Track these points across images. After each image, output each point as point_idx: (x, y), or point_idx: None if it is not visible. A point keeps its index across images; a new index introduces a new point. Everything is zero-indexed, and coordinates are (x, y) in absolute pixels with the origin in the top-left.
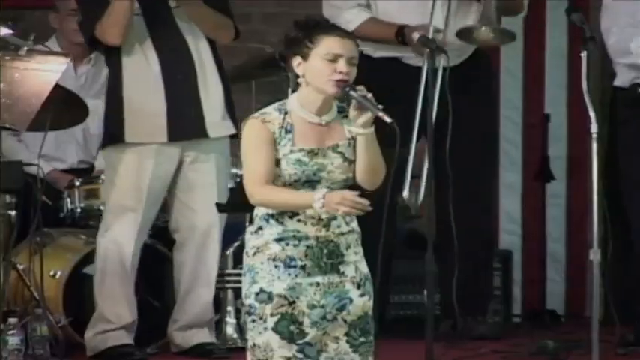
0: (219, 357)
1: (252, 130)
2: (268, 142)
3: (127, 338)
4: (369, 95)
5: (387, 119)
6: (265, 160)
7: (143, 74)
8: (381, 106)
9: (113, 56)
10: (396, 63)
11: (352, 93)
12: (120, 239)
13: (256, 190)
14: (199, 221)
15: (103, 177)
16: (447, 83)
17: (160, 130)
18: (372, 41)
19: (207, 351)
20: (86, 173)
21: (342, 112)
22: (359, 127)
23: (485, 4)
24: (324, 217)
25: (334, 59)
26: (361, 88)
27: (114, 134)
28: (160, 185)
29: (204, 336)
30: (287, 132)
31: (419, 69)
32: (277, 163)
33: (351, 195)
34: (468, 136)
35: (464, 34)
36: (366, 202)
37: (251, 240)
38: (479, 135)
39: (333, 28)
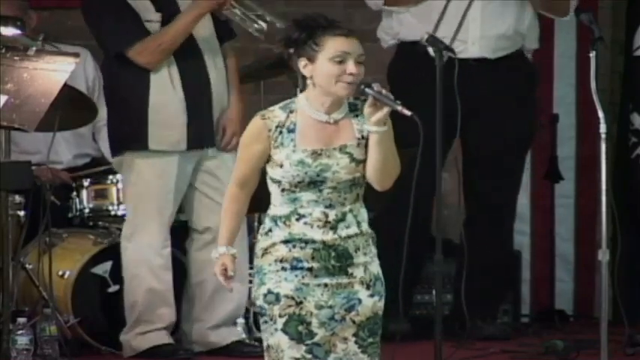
0: (254, 356)
1: (250, 127)
2: (259, 140)
3: (168, 338)
4: (384, 91)
5: (407, 112)
6: (247, 161)
7: (167, 87)
8: (399, 102)
9: (138, 68)
10: (422, 53)
11: (368, 90)
12: (150, 241)
13: (228, 188)
14: None
15: (110, 177)
16: (457, 82)
17: (182, 140)
18: (409, 3)
19: (246, 351)
20: (89, 167)
21: (355, 111)
22: (372, 124)
23: None
24: (330, 219)
25: (342, 60)
26: (377, 85)
27: (137, 141)
28: (182, 187)
29: (237, 333)
30: (290, 131)
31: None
32: (280, 164)
33: (225, 271)
34: (493, 139)
35: None
36: (229, 285)
37: (260, 241)
38: (505, 140)
39: (336, 28)
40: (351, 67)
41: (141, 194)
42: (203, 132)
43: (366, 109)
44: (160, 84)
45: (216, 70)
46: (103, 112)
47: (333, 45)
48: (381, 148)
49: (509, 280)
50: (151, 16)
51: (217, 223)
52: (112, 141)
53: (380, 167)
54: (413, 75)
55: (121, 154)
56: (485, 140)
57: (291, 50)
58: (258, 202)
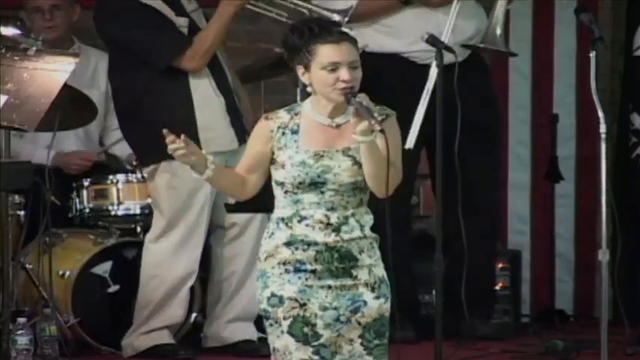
0: (256, 355)
1: (256, 126)
2: (261, 139)
3: (169, 338)
4: (365, 102)
5: (377, 128)
6: (249, 156)
7: (209, 92)
8: (376, 114)
9: (180, 75)
10: (403, 62)
11: (352, 99)
12: (180, 244)
13: None
14: None
15: (110, 177)
16: (443, 86)
17: (233, 139)
18: (376, 17)
19: (252, 349)
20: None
21: None
22: (358, 134)
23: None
24: (332, 221)
25: (335, 68)
26: (361, 95)
27: None
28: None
29: (250, 332)
30: (293, 133)
31: (425, 67)
32: (283, 165)
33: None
34: (472, 136)
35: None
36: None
37: (264, 244)
38: (483, 135)
39: (327, 34)
40: (343, 74)
41: (179, 199)
42: (242, 128)
43: (352, 119)
44: (201, 90)
45: (229, 70)
46: (115, 118)
47: (323, 53)
48: (371, 157)
49: (492, 279)
50: (180, 22)
51: (242, 218)
52: (148, 152)
53: (374, 175)
54: (392, 85)
55: (156, 163)
56: (484, 139)
57: (290, 57)
58: (262, 203)
